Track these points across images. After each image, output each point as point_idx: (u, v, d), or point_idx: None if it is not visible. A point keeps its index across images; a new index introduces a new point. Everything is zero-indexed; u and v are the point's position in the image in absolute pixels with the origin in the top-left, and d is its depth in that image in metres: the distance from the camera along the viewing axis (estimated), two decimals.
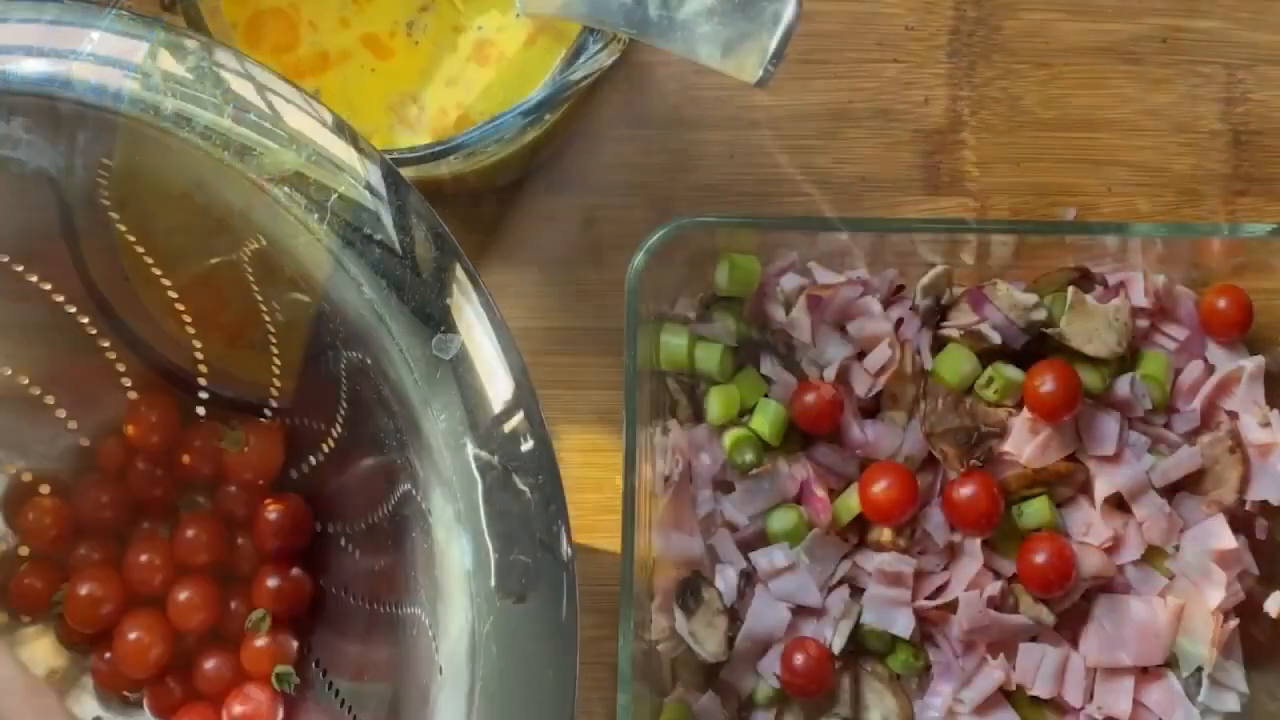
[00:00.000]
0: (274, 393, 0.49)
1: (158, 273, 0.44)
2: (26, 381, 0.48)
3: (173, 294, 0.45)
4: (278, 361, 0.46)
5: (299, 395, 0.48)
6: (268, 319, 0.43)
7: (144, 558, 0.50)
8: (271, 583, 0.50)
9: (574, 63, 0.45)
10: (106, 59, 0.35)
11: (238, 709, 0.48)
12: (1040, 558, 0.50)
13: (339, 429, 0.46)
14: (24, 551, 0.51)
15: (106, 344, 0.48)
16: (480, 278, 0.36)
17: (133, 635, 0.48)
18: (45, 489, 0.51)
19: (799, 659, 0.50)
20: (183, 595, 0.50)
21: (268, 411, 0.50)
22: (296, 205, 0.35)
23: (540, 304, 0.57)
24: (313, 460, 0.50)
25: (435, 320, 0.35)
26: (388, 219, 0.35)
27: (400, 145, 0.46)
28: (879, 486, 0.51)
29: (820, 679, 0.50)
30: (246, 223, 0.36)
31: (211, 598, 0.50)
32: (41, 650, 0.50)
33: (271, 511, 0.50)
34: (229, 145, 0.35)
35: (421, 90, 0.48)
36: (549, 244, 0.58)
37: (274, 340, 0.45)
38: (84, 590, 0.49)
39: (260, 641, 0.49)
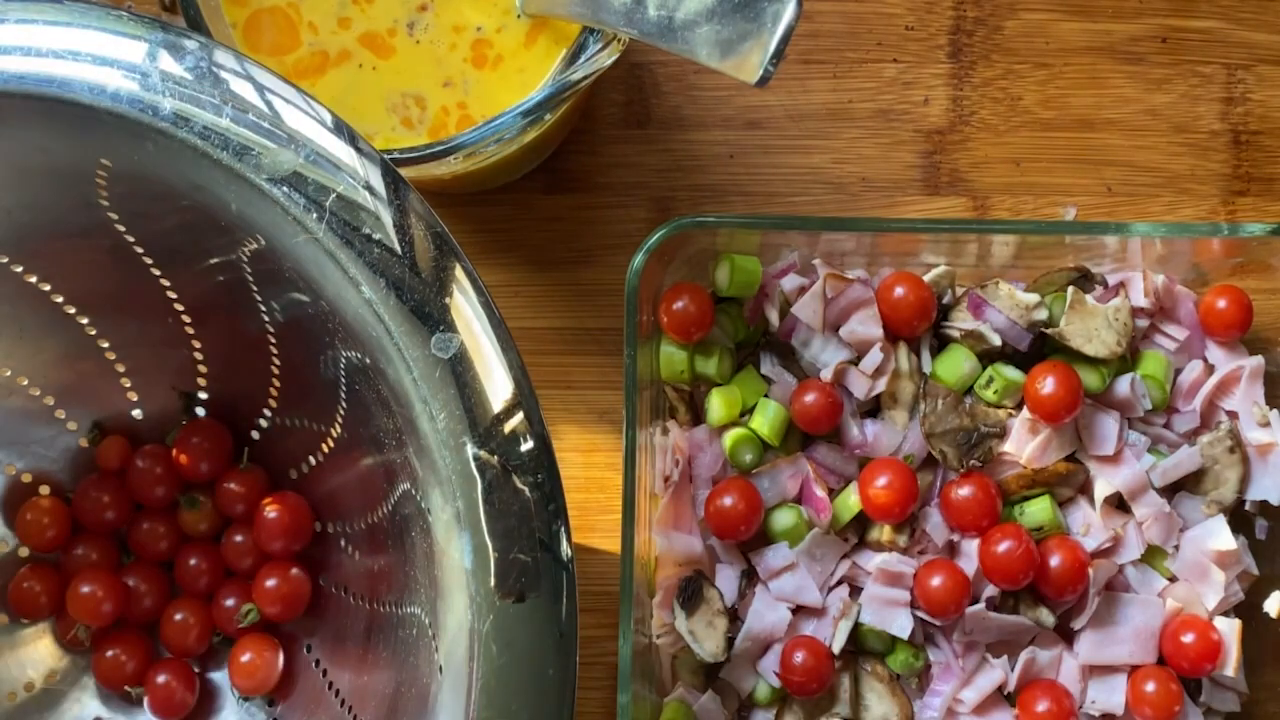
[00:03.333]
0: (273, 393, 0.49)
1: (157, 273, 0.44)
2: (26, 382, 0.48)
3: (172, 294, 0.45)
4: (277, 361, 0.46)
5: (299, 395, 0.48)
6: (267, 318, 0.43)
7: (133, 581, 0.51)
8: (270, 583, 0.50)
9: (574, 63, 0.45)
10: (105, 59, 0.35)
11: None
12: (1054, 561, 0.50)
13: (338, 429, 0.46)
14: (24, 553, 0.51)
15: (106, 345, 0.48)
16: (479, 277, 0.36)
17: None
18: (45, 489, 0.51)
19: (799, 657, 0.50)
20: (178, 616, 0.51)
21: (267, 412, 0.50)
22: (295, 205, 0.35)
23: (540, 304, 0.57)
24: (312, 460, 0.50)
25: (434, 320, 0.35)
26: (387, 219, 0.35)
27: (400, 145, 0.46)
28: (879, 482, 0.51)
29: (820, 678, 0.50)
30: (245, 223, 0.36)
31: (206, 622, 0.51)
32: (41, 651, 0.51)
33: (271, 511, 0.50)
34: (228, 145, 0.35)
35: (422, 90, 0.48)
36: (549, 244, 0.58)
37: (273, 340, 0.45)
38: (85, 589, 0.49)
39: (246, 657, 0.50)
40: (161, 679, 0.50)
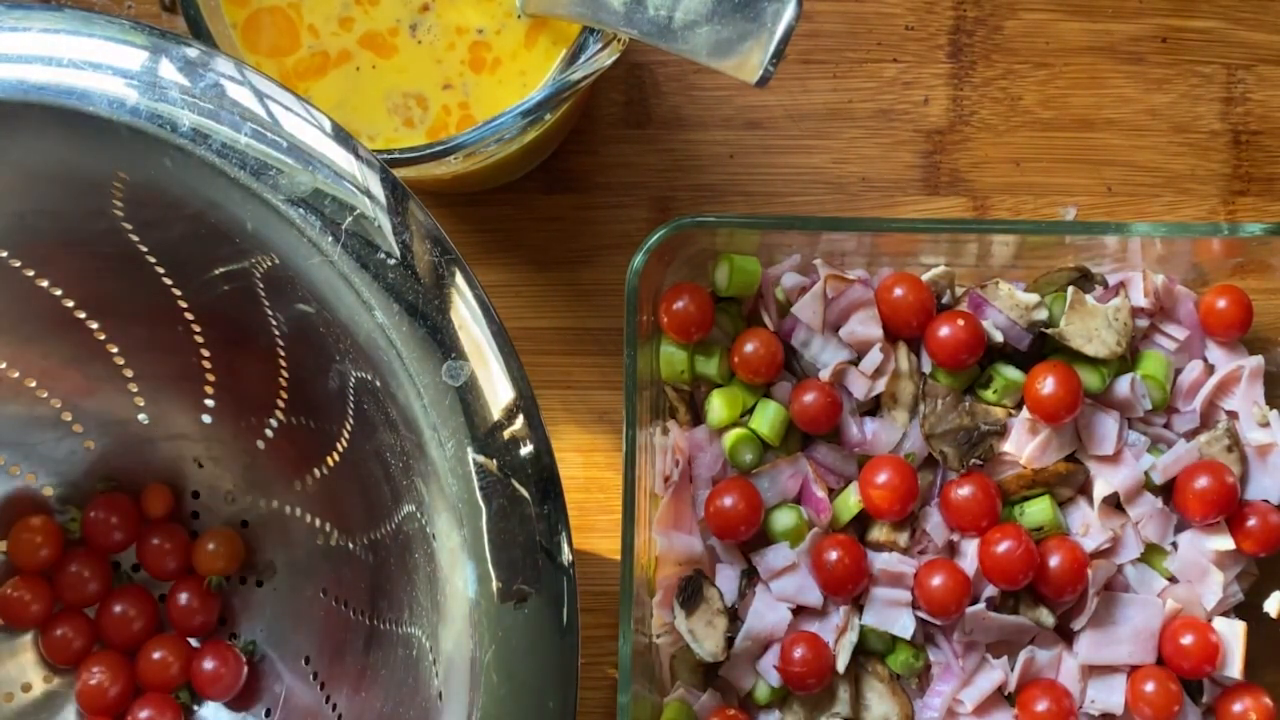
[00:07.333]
0: (280, 403, 0.49)
1: (168, 281, 0.44)
2: (34, 384, 0.48)
3: (182, 302, 0.45)
4: (285, 371, 0.46)
5: (306, 405, 0.48)
6: (276, 329, 0.43)
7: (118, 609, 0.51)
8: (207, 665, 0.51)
9: (574, 63, 0.45)
10: (124, 72, 0.35)
11: None
12: (1054, 561, 0.50)
13: (344, 443, 0.45)
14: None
15: (115, 350, 0.48)
16: (480, 284, 0.36)
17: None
18: (49, 491, 0.51)
19: (799, 651, 0.50)
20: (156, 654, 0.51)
21: (274, 422, 0.50)
22: (311, 228, 0.35)
23: (540, 304, 0.57)
24: (317, 473, 0.50)
25: (446, 347, 0.35)
26: (394, 238, 0.35)
27: (400, 145, 0.46)
28: (879, 479, 0.51)
29: (819, 671, 0.50)
30: (260, 242, 0.36)
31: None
32: (36, 657, 0.51)
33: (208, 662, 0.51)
34: (245, 164, 0.35)
35: (422, 90, 0.48)
36: (549, 244, 0.58)
37: (282, 350, 0.45)
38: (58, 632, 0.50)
39: (208, 665, 0.50)
40: (144, 714, 0.50)
